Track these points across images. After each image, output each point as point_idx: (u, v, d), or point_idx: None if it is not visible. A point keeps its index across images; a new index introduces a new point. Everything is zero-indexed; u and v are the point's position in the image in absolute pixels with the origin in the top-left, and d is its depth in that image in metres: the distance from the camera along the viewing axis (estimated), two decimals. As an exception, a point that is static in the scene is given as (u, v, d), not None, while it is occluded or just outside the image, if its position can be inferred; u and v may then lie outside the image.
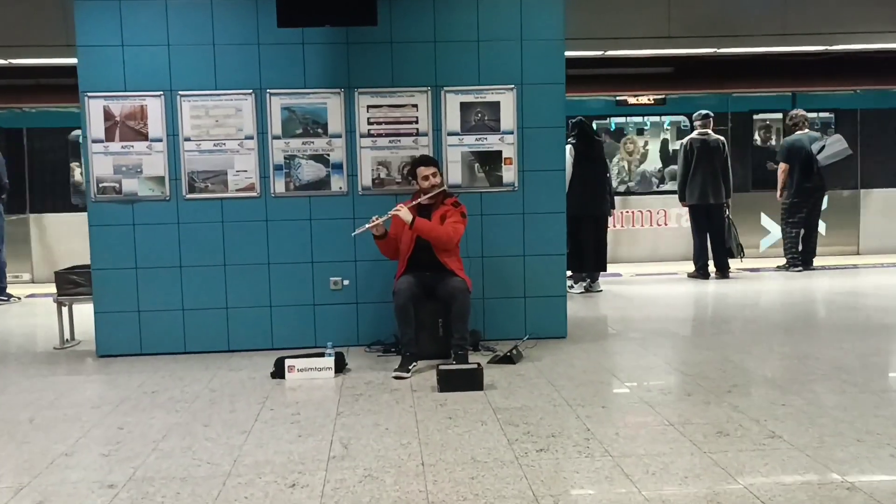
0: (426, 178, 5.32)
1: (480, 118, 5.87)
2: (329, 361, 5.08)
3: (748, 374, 4.85)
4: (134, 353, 5.80)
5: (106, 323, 5.80)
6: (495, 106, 5.87)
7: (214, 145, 5.76)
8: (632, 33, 9.32)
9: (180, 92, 5.72)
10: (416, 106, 5.84)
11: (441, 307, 5.41)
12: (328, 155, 5.82)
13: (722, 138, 9.14)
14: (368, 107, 5.82)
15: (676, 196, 9.30)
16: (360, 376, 5.07)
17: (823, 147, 9.57)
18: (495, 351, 5.61)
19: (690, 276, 9.16)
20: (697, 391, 4.49)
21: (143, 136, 5.72)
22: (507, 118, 5.88)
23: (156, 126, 5.72)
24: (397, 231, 5.41)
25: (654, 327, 6.39)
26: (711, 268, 9.12)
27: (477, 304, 5.72)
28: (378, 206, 5.69)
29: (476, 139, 5.88)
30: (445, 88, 5.83)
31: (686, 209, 9.42)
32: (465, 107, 5.86)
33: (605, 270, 8.42)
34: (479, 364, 4.75)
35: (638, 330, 6.32)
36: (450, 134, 5.87)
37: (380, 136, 5.83)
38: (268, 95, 5.76)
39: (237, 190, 5.79)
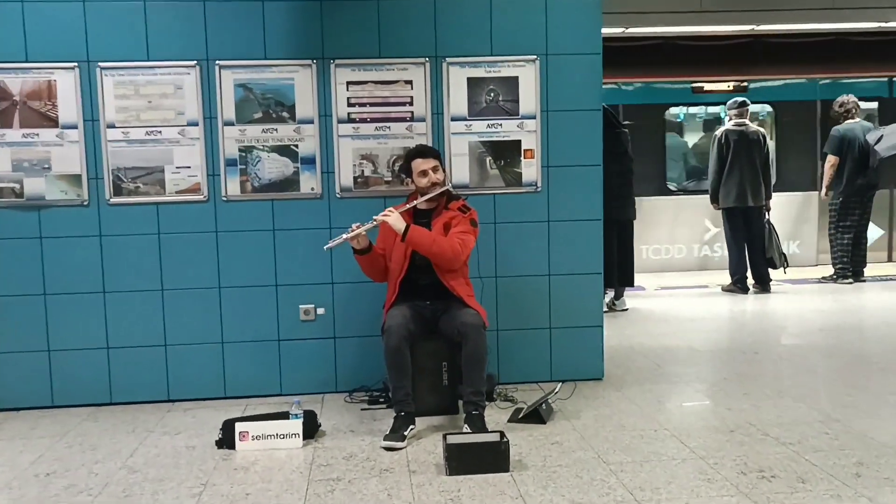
0: (424, 174, 4.00)
1: (493, 98, 4.55)
2: (295, 425, 3.74)
3: (868, 442, 3.56)
4: (43, 406, 4.44)
5: (4, 366, 4.43)
6: (512, 83, 4.55)
7: (147, 134, 4.41)
8: (657, 7, 8.01)
9: (101, 63, 4.36)
10: (410, 83, 4.51)
11: (445, 346, 4.10)
12: (296, 146, 4.48)
13: (762, 130, 7.86)
14: (349, 83, 4.48)
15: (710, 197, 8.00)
16: (338, 445, 3.74)
17: (881, 137, 8.33)
18: (515, 401, 4.31)
19: (726, 289, 7.89)
20: (814, 476, 3.19)
21: (52, 122, 4.35)
22: (528, 98, 4.56)
23: (69, 108, 4.36)
24: (386, 244, 4.09)
25: (709, 363, 5.10)
26: (750, 280, 7.86)
27: (490, 337, 4.40)
28: (361, 211, 4.36)
29: (488, 126, 4.56)
30: (448, 60, 4.51)
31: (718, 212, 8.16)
32: (473, 84, 4.54)
33: (631, 285, 7.13)
34: (502, 435, 3.43)
35: (689, 365, 5.03)
36: (454, 119, 4.54)
37: (363, 121, 4.50)
38: (217, 68, 4.41)
39: (178, 192, 4.44)
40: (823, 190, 8.43)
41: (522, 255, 4.62)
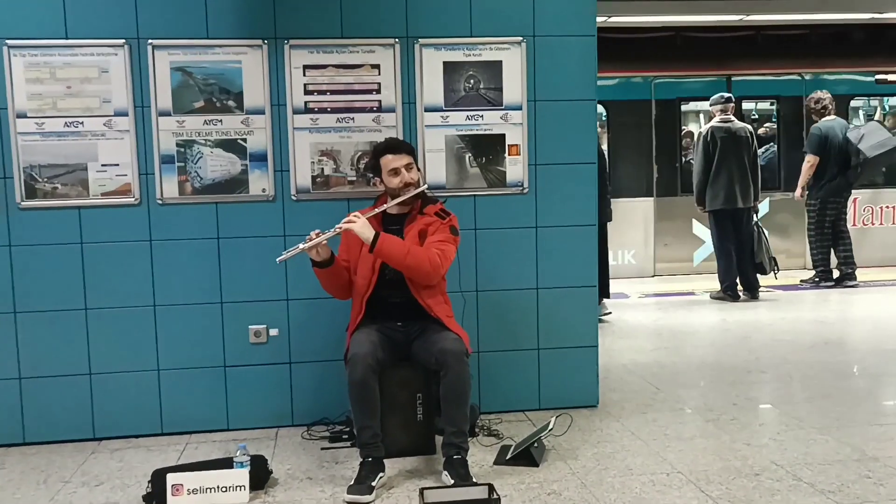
0: (396, 173, 3.40)
1: (473, 86, 3.96)
2: (241, 476, 3.10)
3: (917, 487, 3.04)
4: (-59, 448, 3.75)
5: None
6: (495, 68, 3.96)
7: (67, 125, 3.73)
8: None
9: (8, 41, 3.68)
10: (377, 67, 3.89)
11: (420, 375, 3.50)
12: (244, 140, 3.84)
13: (749, 127, 7.36)
14: (306, 67, 3.85)
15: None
16: (293, 498, 3.11)
17: (863, 136, 7.97)
18: (500, 436, 3.72)
19: (715, 297, 7.39)
20: (867, 535, 2.64)
21: (-49, 111, 3.67)
22: (513, 86, 3.97)
23: (-30, 94, 3.67)
24: (351, 254, 3.47)
25: (713, 385, 4.56)
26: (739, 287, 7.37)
27: (470, 362, 3.82)
28: (321, 216, 3.75)
29: (467, 117, 3.96)
30: (421, 41, 3.91)
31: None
32: (450, 69, 3.94)
33: (607, 297, 6.58)
34: (491, 489, 2.83)
35: (691, 388, 4.49)
36: (428, 110, 3.94)
37: (323, 111, 3.87)
38: (150, 49, 3.75)
39: (103, 194, 3.77)
40: (798, 191, 7.99)
41: (507, 265, 4.03)
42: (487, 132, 3.97)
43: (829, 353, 5.26)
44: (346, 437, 3.73)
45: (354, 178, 3.90)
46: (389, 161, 3.40)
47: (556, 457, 3.45)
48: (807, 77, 9.00)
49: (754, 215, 7.40)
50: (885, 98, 9.86)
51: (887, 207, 9.28)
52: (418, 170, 3.51)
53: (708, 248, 8.69)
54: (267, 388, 3.94)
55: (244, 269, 3.88)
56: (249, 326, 3.91)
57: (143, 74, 3.75)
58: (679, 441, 3.63)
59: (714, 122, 7.32)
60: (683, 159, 9.13)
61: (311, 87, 3.86)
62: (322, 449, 3.65)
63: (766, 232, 7.43)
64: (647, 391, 4.48)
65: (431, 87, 3.92)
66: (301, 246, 3.24)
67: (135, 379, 3.86)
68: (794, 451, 3.46)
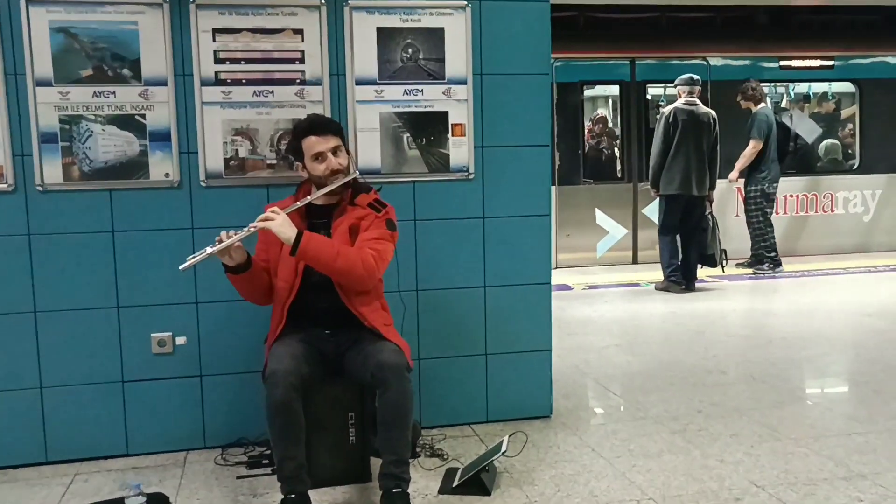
0: (321, 158, 2.89)
1: (412, 56, 3.46)
2: (134, 521, 2.56)
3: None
4: None
5: None
6: (436, 36, 3.47)
7: (-79, 96, 3.09)
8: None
9: None
10: (300, 32, 3.35)
11: (352, 391, 3.00)
12: (143, 116, 3.26)
13: (713, 113, 7.03)
14: (216, 31, 3.28)
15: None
16: (200, 546, 2.59)
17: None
18: (445, 457, 3.26)
19: (659, 288, 7.08)
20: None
21: None
22: (457, 57, 3.49)
23: None
24: (270, 252, 2.95)
25: (674, 388, 4.18)
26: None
27: (409, 371, 3.35)
28: (237, 205, 3.23)
29: (405, 92, 3.46)
30: (352, 3, 3.38)
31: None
32: (385, 36, 3.43)
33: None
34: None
35: (651, 392, 4.11)
36: (360, 83, 3.42)
37: (237, 83, 3.32)
38: (23, 4, 3.13)
39: (-31, 179, 3.15)
40: (735, 174, 7.77)
41: (451, 261, 3.56)
42: (428, 109, 3.48)
43: (788, 350, 4.96)
44: (266, 461, 3.21)
45: (275, 161, 3.36)
46: (313, 144, 2.87)
47: (510, 482, 3.01)
48: (712, 62, 8.75)
49: (709, 205, 7.11)
50: (790, 84, 9.74)
51: (823, 196, 9.16)
52: (348, 153, 3.00)
53: (612, 238, 8.45)
54: (173, 406, 3.38)
55: (144, 268, 3.30)
56: (152, 334, 3.34)
57: (15, 36, 3.12)
58: (646, 458, 3.22)
59: (678, 104, 6.98)
60: (587, 145, 8.83)
61: (222, 55, 3.29)
62: (238, 478, 3.12)
63: (718, 224, 7.16)
64: (603, 397, 4.09)
65: (363, 56, 3.41)
66: (209, 250, 2.70)
67: (11, 399, 3.25)
68: (773, 467, 3.09)
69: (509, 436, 3.14)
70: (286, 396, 2.64)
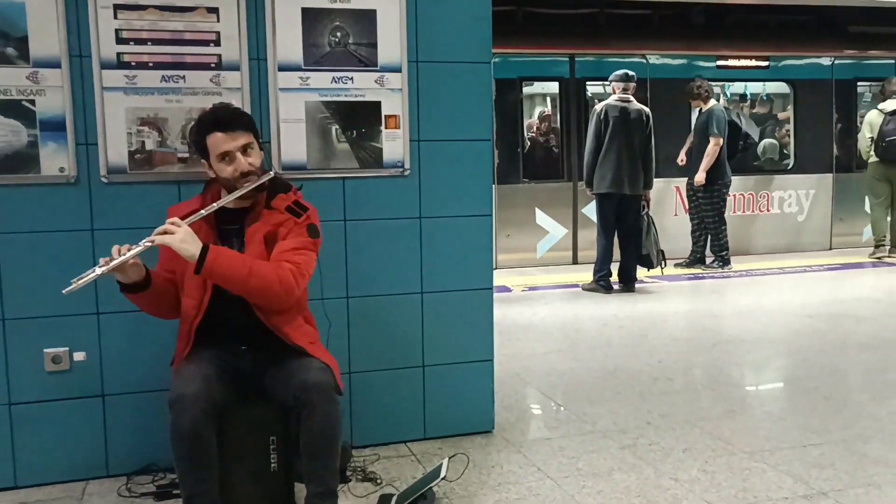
0: (229, 158, 2.54)
1: (341, 41, 3.14)
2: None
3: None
4: None
5: None
6: (368, 19, 3.16)
7: None
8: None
9: None
10: (215, 11, 3.00)
11: (273, 412, 2.67)
12: (32, 102, 2.86)
13: (647, 110, 6.89)
14: (117, 7, 2.91)
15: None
16: None
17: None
18: (378, 481, 2.97)
19: (587, 288, 6.92)
20: None
21: None
22: (391, 42, 3.19)
23: None
24: (173, 272, 2.59)
25: (621, 397, 3.97)
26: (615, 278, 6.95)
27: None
28: (144, 204, 2.88)
29: (333, 80, 3.15)
30: (274, -20, 3.06)
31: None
32: (311, 18, 3.11)
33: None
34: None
35: (597, 402, 3.88)
36: (284, 69, 3.10)
37: (144, 66, 2.95)
38: None
39: None
40: (702, 174, 7.66)
41: (383, 265, 3.26)
42: (359, 99, 3.18)
43: (734, 354, 4.83)
44: (177, 491, 2.85)
45: (187, 155, 3.00)
46: (219, 142, 2.52)
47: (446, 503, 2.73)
48: (651, 59, 8.68)
49: (645, 205, 6.97)
50: (727, 83, 9.77)
51: (760, 196, 9.16)
52: (262, 150, 2.65)
53: (552, 238, 8.29)
54: (70, 431, 3.00)
55: (37, 275, 2.91)
56: (45, 350, 2.94)
57: None
58: (595, 478, 2.99)
59: (610, 101, 6.81)
60: (527, 143, 8.64)
61: (125, 35, 2.92)
62: (144, 511, 2.77)
63: (655, 223, 7.03)
64: (547, 408, 3.85)
65: (287, 39, 3.08)
66: (97, 270, 2.32)
67: None
68: (730, 486, 2.89)
69: (449, 458, 2.87)
70: (194, 424, 2.30)
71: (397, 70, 3.20)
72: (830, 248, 9.30)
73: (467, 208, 3.33)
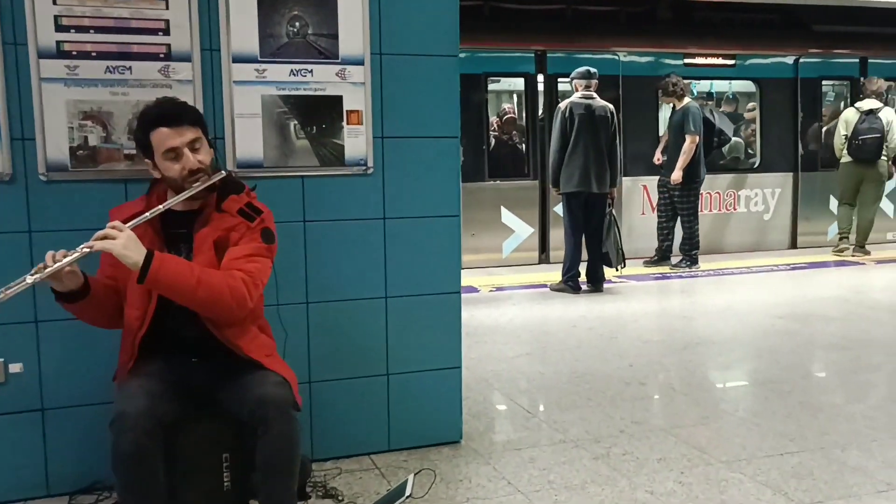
0: (175, 155, 2.35)
1: (300, 31, 2.97)
2: None
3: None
4: None
5: None
6: (328, 7, 2.99)
7: None
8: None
9: None
10: (164, -2, 2.82)
11: (227, 428, 2.49)
12: (-38, 93, 2.65)
13: (611, 107, 6.79)
14: (57, -8, 2.71)
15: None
16: None
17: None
18: (340, 498, 2.80)
19: (555, 288, 6.81)
20: None
21: None
22: (353, 33, 3.02)
23: None
24: (115, 279, 2.40)
25: (592, 403, 3.85)
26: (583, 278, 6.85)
27: (300, 393, 2.87)
28: (87, 204, 2.68)
29: (292, 72, 2.97)
30: (227, -35, 2.87)
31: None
32: (267, 6, 2.92)
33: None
34: None
35: (568, 408, 3.76)
36: (238, 60, 2.91)
37: (86, 56, 2.74)
38: None
39: None
40: (678, 173, 7.59)
41: (346, 268, 3.09)
42: (319, 93, 3.00)
43: (705, 356, 4.74)
44: (124, 513, 2.66)
45: (134, 151, 2.79)
46: (164, 137, 2.33)
47: (417, 528, 2.58)
48: (622, 57, 8.61)
49: (610, 203, 6.87)
50: (693, 82, 9.75)
51: (727, 195, 9.13)
52: (212, 147, 2.47)
53: (518, 238, 8.16)
54: (6, 448, 2.78)
55: (-32, 280, 2.69)
56: (-22, 361, 2.73)
57: None
58: (568, 492, 2.85)
59: (574, 98, 6.70)
60: (493, 141, 8.50)
61: (65, 21, 2.71)
62: (86, 535, 2.57)
63: (619, 223, 6.93)
64: (517, 416, 3.71)
65: (242, 28, 2.89)
66: (29, 279, 2.12)
67: None
68: (707, 498, 2.78)
69: (415, 473, 2.72)
70: (137, 445, 2.11)
71: (359, 63, 3.03)
72: (795, 247, 9.31)
73: (434, 208, 3.18)
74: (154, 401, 2.18)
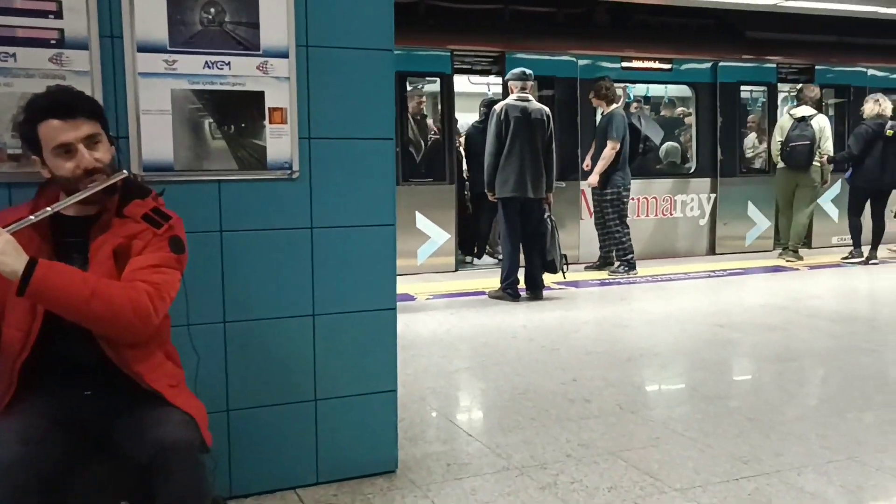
0: (67, 151, 2.03)
1: (216, 18, 2.64)
2: None
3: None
4: None
5: None
6: (249, -6, 2.68)
7: None
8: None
9: None
10: (57, -24, 2.46)
11: (126, 472, 2.15)
12: None
13: (547, 109, 6.60)
14: (-75, -35, 2.33)
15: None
16: None
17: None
18: (261, 543, 2.48)
19: (493, 296, 6.61)
20: None
21: None
22: (276, 23, 2.71)
23: None
24: None
25: (537, 425, 3.62)
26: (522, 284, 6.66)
27: (215, 425, 2.55)
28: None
29: (207, 65, 2.65)
30: (131, -59, 2.53)
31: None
32: (179, -11, 2.60)
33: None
34: None
35: (512, 431, 3.51)
36: (145, 49, 2.57)
37: (-39, 41, 2.38)
38: None
39: None
40: (595, 177, 7.49)
41: (268, 283, 2.78)
42: (238, 88, 2.69)
43: (650, 369, 4.58)
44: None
45: (20, 151, 2.43)
46: (55, 131, 2.00)
47: (347, 580, 2.29)
48: (580, 61, 8.50)
49: (548, 208, 6.70)
50: (629, 85, 9.73)
51: (663, 200, 9.08)
52: (112, 143, 2.14)
53: (434, 243, 7.87)
54: None
55: None
56: None
57: None
58: (515, 529, 2.61)
59: (509, 100, 6.50)
60: (409, 143, 8.17)
61: (-64, 0, 2.34)
62: None
63: (558, 228, 6.76)
64: (457, 440, 3.45)
65: (149, 13, 2.56)
66: None
67: None
68: (664, 532, 2.57)
69: (343, 516, 2.43)
70: (12, 501, 1.77)
71: (284, 55, 2.73)
72: (714, 253, 9.24)
73: (367, 217, 2.89)
74: (32, 448, 1.84)
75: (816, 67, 9.64)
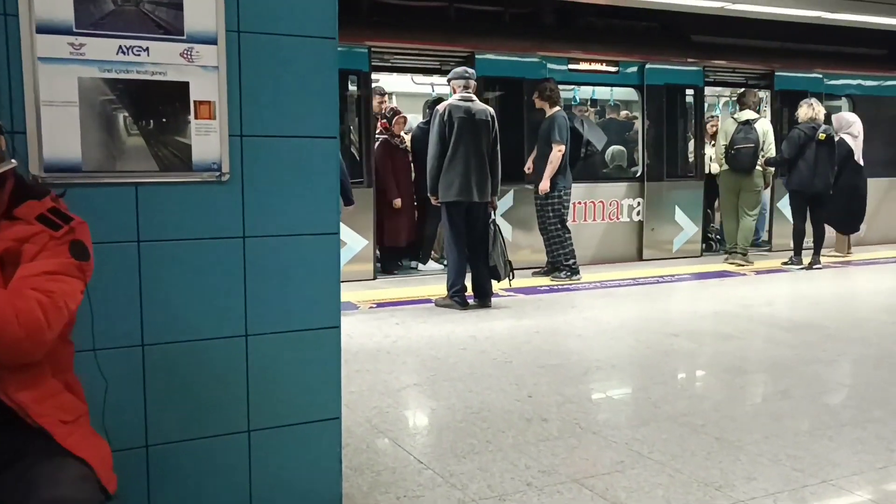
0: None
1: (132, -4, 2.30)
2: None
3: None
4: None
5: None
6: (171, -30, 2.34)
7: None
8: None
9: None
10: (-62, -59, 2.08)
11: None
12: None
13: (491, 110, 6.35)
14: None
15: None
16: None
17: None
18: None
19: (440, 304, 6.35)
20: None
21: None
22: (202, 4, 2.38)
23: None
24: None
25: (494, 449, 3.35)
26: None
27: (136, 458, 2.20)
28: None
29: (121, 50, 2.30)
30: None
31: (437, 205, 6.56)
32: (87, -39, 2.24)
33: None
34: None
35: (466, 456, 3.24)
36: (45, 30, 2.21)
37: None
38: None
39: None
40: (546, 182, 7.28)
41: (194, 300, 2.44)
42: (158, 78, 2.34)
43: (607, 383, 4.37)
44: None
45: None
46: None
47: None
48: (545, 61, 8.31)
49: (492, 212, 6.46)
50: (575, 87, 9.58)
51: (609, 204, 8.93)
52: (0, 133, 1.80)
53: (351, 249, 7.46)
54: None
55: None
56: None
57: None
58: (475, 576, 2.33)
59: (452, 101, 6.23)
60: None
61: None
62: None
63: (503, 233, 6.52)
64: (407, 468, 3.15)
65: (51, -11, 2.20)
66: None
67: None
68: (639, 576, 2.32)
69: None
70: None
71: (211, 41, 2.40)
72: (641, 259, 9.09)
73: (307, 225, 2.57)
74: None
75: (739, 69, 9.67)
